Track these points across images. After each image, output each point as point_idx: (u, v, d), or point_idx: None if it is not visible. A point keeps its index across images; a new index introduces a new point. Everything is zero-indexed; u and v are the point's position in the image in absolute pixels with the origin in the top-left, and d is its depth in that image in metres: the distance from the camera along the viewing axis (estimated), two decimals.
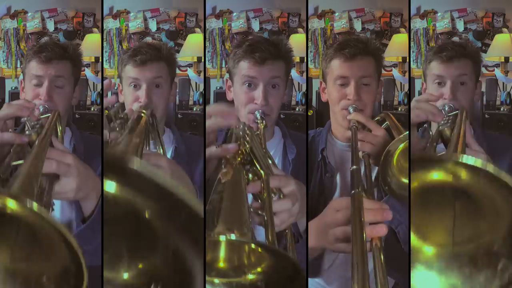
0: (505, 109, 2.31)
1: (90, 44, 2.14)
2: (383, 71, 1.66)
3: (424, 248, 1.08)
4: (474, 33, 2.40)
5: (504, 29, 2.36)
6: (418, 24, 2.32)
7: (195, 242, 0.75)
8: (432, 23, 2.33)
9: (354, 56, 1.55)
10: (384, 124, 1.51)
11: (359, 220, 0.97)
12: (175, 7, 2.48)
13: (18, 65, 2.29)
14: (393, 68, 2.32)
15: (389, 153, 1.31)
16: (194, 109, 2.29)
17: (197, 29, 2.36)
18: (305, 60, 2.16)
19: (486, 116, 2.28)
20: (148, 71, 1.57)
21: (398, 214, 1.26)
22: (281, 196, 1.12)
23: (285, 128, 1.65)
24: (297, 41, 2.40)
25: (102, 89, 1.78)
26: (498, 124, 2.25)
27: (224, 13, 2.57)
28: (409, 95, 2.00)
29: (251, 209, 1.01)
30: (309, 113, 2.14)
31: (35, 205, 0.74)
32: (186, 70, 2.33)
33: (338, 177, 1.59)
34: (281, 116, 2.00)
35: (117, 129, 1.26)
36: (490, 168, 0.92)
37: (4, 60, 2.31)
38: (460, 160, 0.96)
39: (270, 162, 1.22)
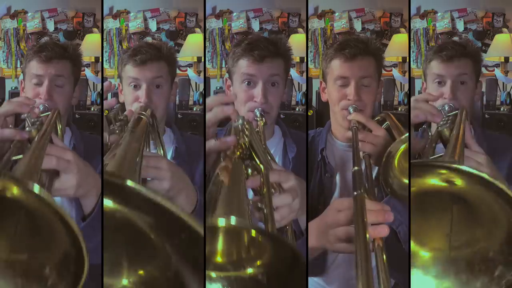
0: (505, 109, 2.31)
1: (90, 44, 2.14)
2: (383, 71, 1.66)
3: (421, 252, 1.08)
4: (474, 33, 2.40)
5: (504, 29, 2.36)
6: (418, 24, 2.32)
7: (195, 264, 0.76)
8: (432, 23, 2.33)
9: (354, 56, 1.55)
10: (385, 124, 1.51)
11: (362, 221, 0.97)
12: (175, 7, 2.48)
13: (18, 65, 2.29)
14: (393, 68, 2.32)
15: (390, 155, 1.31)
16: (194, 109, 2.29)
17: (197, 29, 2.36)
18: (305, 60, 2.16)
19: (486, 116, 2.29)
20: (148, 71, 1.56)
21: (399, 214, 1.26)
22: (281, 192, 1.12)
23: (285, 127, 1.65)
24: (297, 41, 2.40)
25: (102, 89, 1.78)
26: (498, 124, 2.25)
27: (224, 13, 2.57)
28: (409, 95, 2.00)
29: (251, 202, 1.01)
30: (309, 113, 2.14)
31: (36, 187, 0.74)
32: (186, 70, 2.33)
33: (337, 177, 1.59)
34: (281, 116, 2.00)
35: (117, 131, 1.26)
36: (486, 175, 0.92)
37: (4, 60, 2.31)
38: (456, 166, 0.96)
39: (269, 158, 1.22)
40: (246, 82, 1.53)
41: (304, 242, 1.19)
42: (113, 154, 0.96)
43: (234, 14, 2.57)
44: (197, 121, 2.22)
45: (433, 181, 0.99)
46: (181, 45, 2.44)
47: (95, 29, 2.12)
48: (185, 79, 2.30)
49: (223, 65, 2.54)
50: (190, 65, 2.36)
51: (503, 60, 2.38)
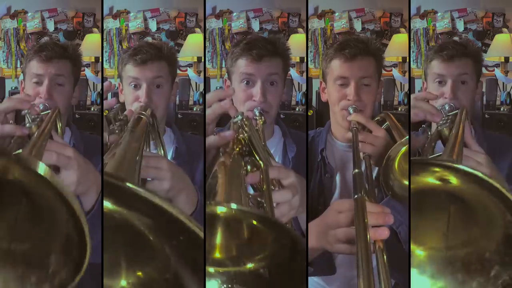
0: (505, 109, 2.31)
1: (90, 44, 2.14)
2: (383, 71, 1.66)
3: (416, 251, 1.07)
4: (474, 33, 2.40)
5: (504, 29, 2.36)
6: (418, 24, 2.32)
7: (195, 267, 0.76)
8: (432, 23, 2.33)
9: (354, 56, 1.55)
10: (385, 125, 1.51)
11: (363, 223, 0.97)
12: (175, 7, 2.48)
13: (18, 65, 2.30)
14: (393, 68, 2.32)
15: (390, 158, 1.31)
16: (194, 109, 2.29)
17: (197, 29, 2.36)
18: (305, 60, 2.17)
19: (486, 116, 2.29)
20: (149, 71, 1.56)
21: (399, 215, 1.26)
22: (280, 188, 1.12)
23: (285, 127, 1.65)
24: (297, 41, 2.40)
25: (102, 89, 1.78)
26: (498, 124, 2.26)
27: (224, 13, 2.57)
28: (409, 95, 2.00)
29: (251, 196, 1.01)
30: (309, 113, 2.14)
31: (41, 166, 0.74)
32: (186, 70, 2.33)
33: (337, 178, 1.59)
34: (281, 116, 2.00)
35: (117, 131, 1.25)
36: (480, 173, 0.92)
37: (4, 60, 2.31)
38: (453, 165, 0.96)
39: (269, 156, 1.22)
40: (245, 82, 1.53)
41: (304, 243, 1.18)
42: (113, 153, 0.96)
43: (234, 14, 2.57)
44: (197, 121, 2.22)
45: (430, 179, 0.99)
46: (181, 45, 2.44)
47: (95, 29, 2.12)
48: (185, 79, 2.30)
49: (223, 65, 2.54)
50: (190, 65, 2.36)
51: (503, 60, 2.38)
